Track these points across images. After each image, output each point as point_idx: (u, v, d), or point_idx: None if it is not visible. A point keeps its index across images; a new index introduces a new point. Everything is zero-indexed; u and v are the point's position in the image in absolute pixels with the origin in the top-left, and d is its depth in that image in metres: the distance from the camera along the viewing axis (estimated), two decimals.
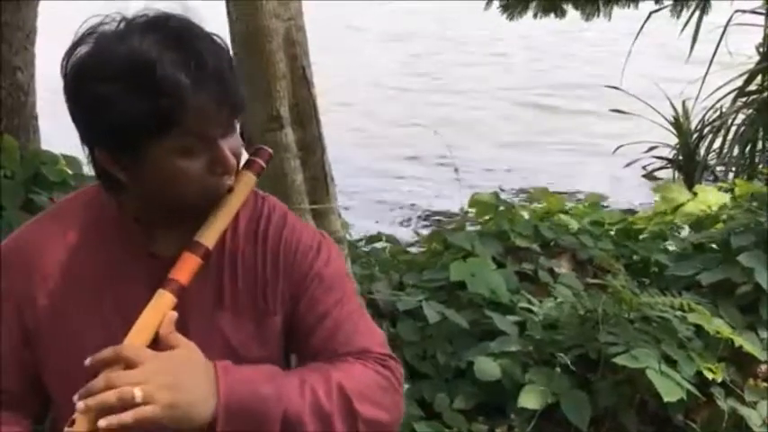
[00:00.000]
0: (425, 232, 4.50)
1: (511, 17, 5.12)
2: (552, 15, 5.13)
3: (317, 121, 2.67)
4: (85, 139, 1.03)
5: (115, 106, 0.96)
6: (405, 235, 4.90)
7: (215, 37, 1.03)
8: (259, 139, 2.59)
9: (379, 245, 3.53)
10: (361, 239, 3.58)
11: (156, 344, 0.98)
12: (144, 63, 0.95)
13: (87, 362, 0.95)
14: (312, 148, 2.67)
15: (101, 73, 0.97)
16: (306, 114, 2.64)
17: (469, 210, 3.55)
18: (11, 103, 4.32)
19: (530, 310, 2.68)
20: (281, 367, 1.07)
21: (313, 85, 2.65)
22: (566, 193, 4.79)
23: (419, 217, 6.13)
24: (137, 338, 0.98)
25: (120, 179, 1.04)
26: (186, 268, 1.03)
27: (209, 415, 0.96)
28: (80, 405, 0.92)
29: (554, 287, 2.88)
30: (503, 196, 3.81)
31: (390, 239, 3.60)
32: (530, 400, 2.35)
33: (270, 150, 1.12)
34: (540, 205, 3.65)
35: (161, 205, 1.06)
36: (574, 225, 3.36)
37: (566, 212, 3.51)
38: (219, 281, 1.09)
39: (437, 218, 5.96)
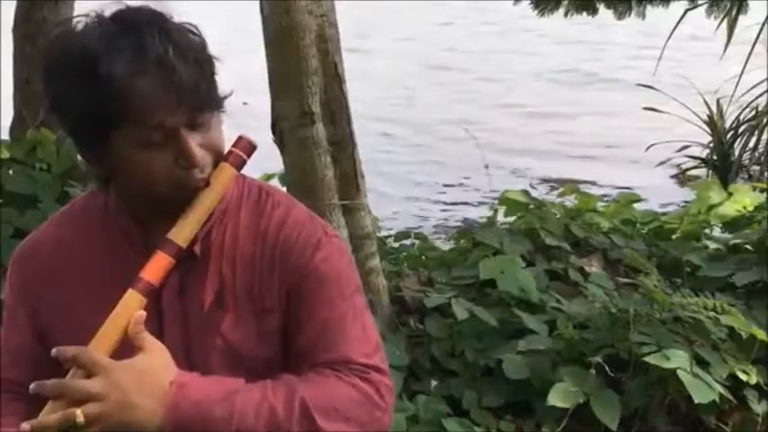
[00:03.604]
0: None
1: (542, 14, 5.10)
2: (584, 13, 5.10)
3: (348, 117, 2.68)
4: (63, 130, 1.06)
5: (70, 102, 0.98)
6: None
7: (182, 27, 1.01)
8: (290, 135, 2.61)
9: (407, 241, 3.53)
10: (390, 236, 3.59)
11: (127, 344, 0.99)
12: (89, 58, 0.96)
13: (53, 352, 0.97)
14: (343, 144, 2.68)
15: (57, 68, 1.00)
16: (337, 110, 2.65)
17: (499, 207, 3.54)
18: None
19: (559, 310, 2.67)
20: (282, 365, 1.07)
21: (345, 81, 2.65)
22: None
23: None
24: (103, 340, 0.98)
25: (100, 171, 1.06)
26: (156, 267, 1.02)
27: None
28: (24, 426, 0.94)
29: (585, 286, 2.86)
30: (533, 193, 3.78)
31: (419, 236, 3.60)
32: (559, 399, 2.33)
33: (251, 140, 1.07)
34: (571, 203, 3.62)
35: (141, 198, 1.06)
36: (605, 224, 3.33)
37: (597, 211, 3.48)
38: (219, 280, 1.09)
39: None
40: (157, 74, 0.96)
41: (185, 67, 0.98)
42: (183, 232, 1.04)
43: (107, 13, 1.00)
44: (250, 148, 1.07)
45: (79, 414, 0.93)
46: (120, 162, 1.01)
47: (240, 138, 1.07)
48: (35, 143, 3.54)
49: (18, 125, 4.38)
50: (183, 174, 1.02)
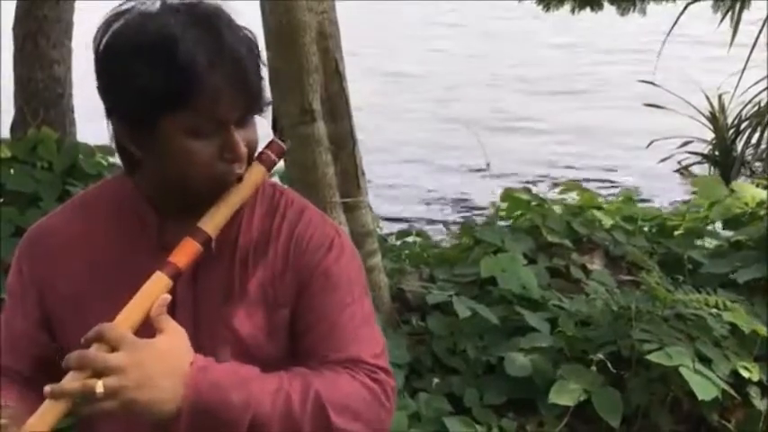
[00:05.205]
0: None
1: (546, 9, 5.08)
2: (588, 9, 5.09)
3: (348, 114, 2.68)
4: (107, 110, 1.06)
5: (134, 79, 0.98)
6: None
7: (244, 28, 1.05)
8: (291, 132, 2.61)
9: (409, 239, 3.53)
10: (391, 233, 3.58)
11: (147, 325, 0.99)
12: (166, 40, 0.98)
13: (83, 339, 0.97)
14: (344, 141, 2.68)
15: (126, 46, 1.00)
16: (338, 108, 2.65)
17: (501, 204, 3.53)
18: (48, 96, 4.40)
19: (561, 307, 2.66)
20: (287, 361, 1.08)
21: (345, 78, 2.65)
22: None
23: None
24: (127, 318, 0.99)
25: (135, 154, 1.06)
26: (185, 253, 1.03)
27: (173, 413, 0.97)
28: (46, 389, 0.94)
29: (586, 283, 2.86)
30: (534, 190, 3.78)
31: (421, 234, 3.60)
32: (561, 396, 2.33)
33: (282, 144, 1.11)
34: (573, 200, 3.61)
35: (171, 187, 1.07)
36: (607, 221, 3.33)
37: (598, 208, 3.47)
38: (231, 274, 1.10)
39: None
40: (231, 69, 0.99)
41: (253, 66, 1.02)
42: (213, 222, 1.05)
43: (171, 1, 1.02)
44: (281, 151, 1.11)
45: (99, 385, 0.93)
46: (165, 147, 1.02)
47: (272, 141, 1.11)
48: (36, 142, 3.54)
49: (19, 124, 4.39)
50: (225, 167, 1.04)
